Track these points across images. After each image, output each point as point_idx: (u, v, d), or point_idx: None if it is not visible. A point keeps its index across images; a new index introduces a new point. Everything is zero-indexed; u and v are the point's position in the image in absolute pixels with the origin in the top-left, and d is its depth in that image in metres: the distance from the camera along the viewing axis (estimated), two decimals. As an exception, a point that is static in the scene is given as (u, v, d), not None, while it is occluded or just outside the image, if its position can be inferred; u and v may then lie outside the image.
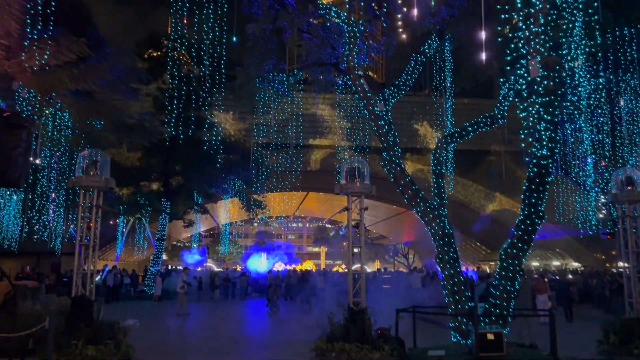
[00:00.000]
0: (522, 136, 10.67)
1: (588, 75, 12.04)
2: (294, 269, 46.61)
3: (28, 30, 16.06)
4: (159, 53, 30.62)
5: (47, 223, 26.61)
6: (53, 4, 15.33)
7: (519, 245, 10.71)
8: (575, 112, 13.24)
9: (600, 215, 23.73)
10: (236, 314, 23.94)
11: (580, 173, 19.49)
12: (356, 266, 14.61)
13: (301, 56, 16.65)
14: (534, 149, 10.41)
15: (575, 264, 46.74)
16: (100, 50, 20.38)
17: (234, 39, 15.71)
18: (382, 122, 13.47)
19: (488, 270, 42.95)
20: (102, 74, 19.89)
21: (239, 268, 50.09)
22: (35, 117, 18.70)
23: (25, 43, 16.57)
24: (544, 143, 10.21)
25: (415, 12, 12.64)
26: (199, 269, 47.62)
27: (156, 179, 32.14)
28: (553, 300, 20.32)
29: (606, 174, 18.01)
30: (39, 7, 15.21)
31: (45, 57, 17.09)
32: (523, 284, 13.92)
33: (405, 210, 51.10)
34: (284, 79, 16.94)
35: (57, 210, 25.77)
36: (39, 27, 16.13)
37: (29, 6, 16.02)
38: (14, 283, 13.32)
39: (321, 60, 16.24)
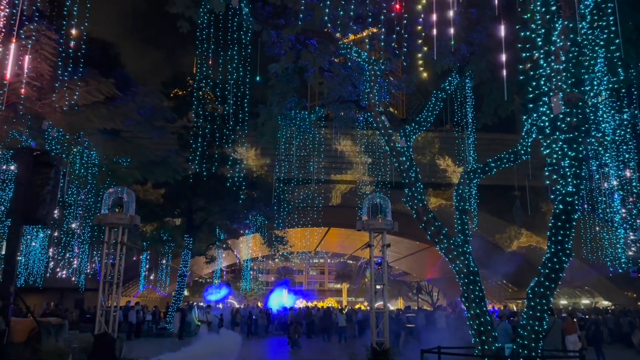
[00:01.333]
0: (547, 173, 10.54)
1: (612, 111, 11.94)
2: (316, 306, 46.11)
3: (59, 71, 16.66)
4: (184, 92, 31.39)
5: (71, 259, 26.94)
6: (83, 46, 15.92)
7: (546, 283, 10.45)
8: (600, 148, 13.07)
9: (630, 253, 23.09)
10: (258, 353, 23.65)
11: (608, 209, 19.09)
12: (379, 304, 14.42)
13: (322, 94, 16.92)
14: (559, 186, 10.26)
15: (606, 303, 45.29)
16: (127, 90, 20.99)
17: (257, 78, 16.05)
18: (404, 158, 13.48)
19: (515, 309, 41.88)
20: (129, 113, 20.42)
21: (259, 304, 49.71)
22: (64, 155, 19.18)
23: (56, 84, 17.19)
24: (569, 180, 10.07)
25: (435, 50, 12.77)
26: (220, 305, 47.39)
27: (179, 215, 32.44)
28: (583, 341, 19.63)
29: (634, 210, 17.62)
30: (70, 50, 15.79)
31: (75, 97, 17.65)
32: (552, 323, 13.49)
33: (429, 246, 50.50)
34: (306, 115, 17.17)
35: (81, 246, 26.10)
36: (70, 69, 16.72)
37: (60, 49, 16.68)
38: (38, 320, 13.45)
39: (342, 98, 16.47)
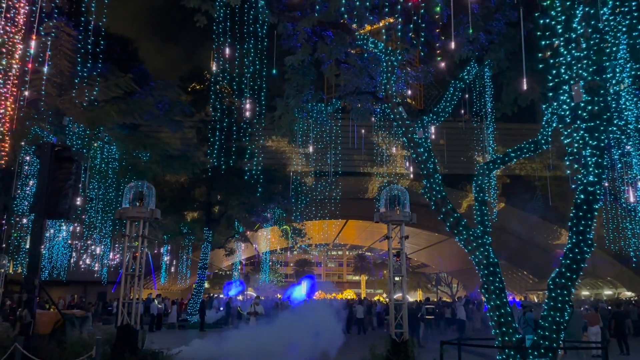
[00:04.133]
0: (568, 162, 10.38)
1: (635, 99, 11.70)
2: (334, 298, 46.24)
3: (79, 68, 16.87)
4: (202, 86, 31.57)
5: (94, 253, 27.39)
6: (102, 42, 16.08)
7: (568, 274, 10.32)
8: (623, 136, 12.84)
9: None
10: (278, 345, 23.76)
11: (631, 199, 18.78)
12: (398, 295, 14.40)
13: (339, 85, 16.85)
14: (580, 176, 10.11)
15: (629, 293, 44.67)
16: (146, 84, 21.17)
17: (274, 71, 16.07)
18: (422, 149, 13.39)
19: (536, 300, 41.51)
20: (147, 108, 20.60)
21: (279, 296, 50.01)
22: (84, 150, 19.46)
23: (76, 80, 17.42)
24: (591, 169, 9.91)
25: (452, 40, 12.63)
26: (240, 297, 47.85)
27: (199, 208, 32.75)
28: (605, 332, 19.41)
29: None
30: (89, 46, 15.96)
31: (95, 93, 17.87)
32: (570, 314, 13.37)
33: (447, 238, 50.29)
34: (323, 108, 17.13)
35: (103, 240, 26.50)
36: (89, 65, 16.92)
37: (79, 45, 16.87)
38: (62, 312, 13.72)
39: (359, 89, 16.38)
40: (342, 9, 13.21)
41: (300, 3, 14.69)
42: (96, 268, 29.82)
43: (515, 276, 55.41)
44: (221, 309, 33.33)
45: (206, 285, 47.38)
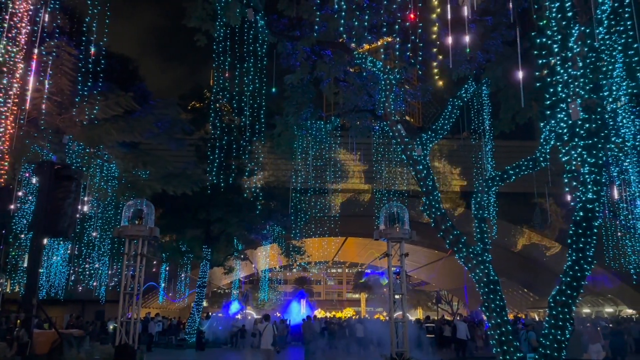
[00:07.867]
0: (566, 180, 10.42)
1: (632, 116, 11.78)
2: (334, 316, 45.90)
3: (79, 86, 16.96)
4: (202, 104, 31.70)
5: (92, 271, 27.21)
6: (103, 61, 16.19)
7: (568, 292, 10.29)
8: (620, 154, 12.89)
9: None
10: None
11: (630, 216, 18.77)
12: (398, 313, 14.33)
13: (338, 103, 16.95)
14: (579, 193, 10.14)
15: (630, 311, 44.40)
16: (146, 103, 21.24)
17: (273, 89, 16.17)
18: (421, 167, 13.43)
19: (537, 318, 41.24)
20: (148, 126, 20.63)
21: (278, 314, 49.67)
22: (84, 168, 19.45)
23: (76, 99, 17.49)
24: (589, 186, 9.94)
25: (450, 59, 12.74)
26: (239, 316, 47.50)
27: (198, 226, 32.62)
28: (607, 350, 19.26)
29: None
30: (90, 65, 16.06)
31: (95, 111, 17.93)
32: (573, 332, 13.28)
33: (447, 255, 50.13)
34: (322, 126, 17.22)
35: (101, 258, 26.36)
36: (89, 84, 17.01)
37: (80, 64, 16.98)
38: (60, 332, 13.61)
39: (358, 107, 16.49)
40: (341, 28, 13.35)
41: (299, 23, 14.86)
42: (94, 287, 29.58)
43: (515, 294, 55.11)
44: (220, 327, 33.04)
45: (205, 303, 47.04)
